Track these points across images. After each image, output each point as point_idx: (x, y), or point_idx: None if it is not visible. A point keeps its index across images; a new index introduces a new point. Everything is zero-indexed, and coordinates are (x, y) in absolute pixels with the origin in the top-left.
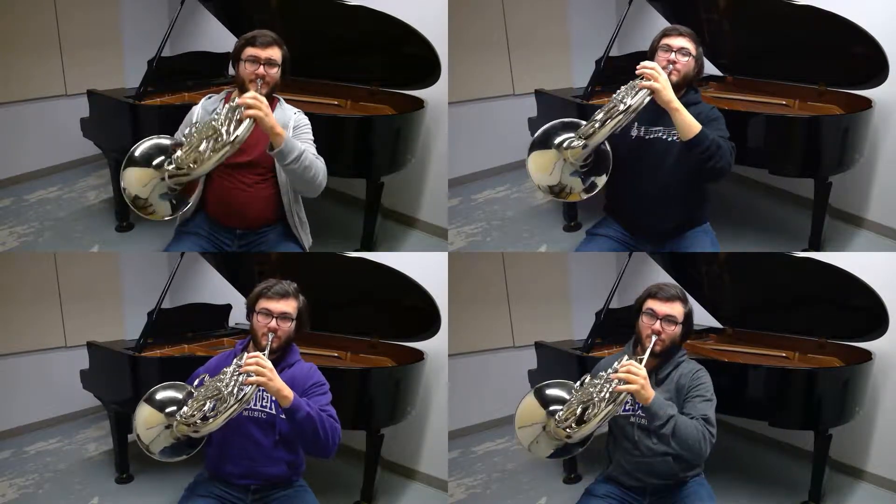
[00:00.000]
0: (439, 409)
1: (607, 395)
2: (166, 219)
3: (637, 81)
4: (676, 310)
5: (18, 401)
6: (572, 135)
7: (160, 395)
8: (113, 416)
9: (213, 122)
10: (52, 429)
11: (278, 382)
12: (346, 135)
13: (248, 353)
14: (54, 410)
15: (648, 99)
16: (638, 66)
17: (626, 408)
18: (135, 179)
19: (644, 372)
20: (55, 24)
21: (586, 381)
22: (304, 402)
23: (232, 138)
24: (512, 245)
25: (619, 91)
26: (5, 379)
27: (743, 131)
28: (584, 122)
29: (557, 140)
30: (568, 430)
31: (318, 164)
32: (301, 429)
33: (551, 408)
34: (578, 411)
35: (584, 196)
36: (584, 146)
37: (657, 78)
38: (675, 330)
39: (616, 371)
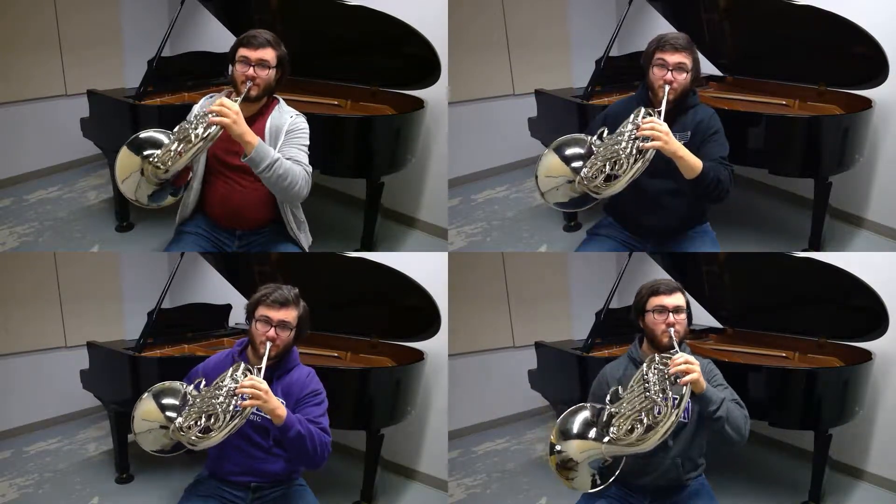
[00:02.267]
0: (439, 409)
1: (670, 392)
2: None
3: (640, 143)
4: (681, 300)
5: (18, 401)
6: (586, 168)
7: (165, 400)
8: (113, 416)
9: (186, 125)
10: (52, 429)
11: (273, 403)
12: (346, 135)
13: (243, 365)
14: (54, 410)
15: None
16: (638, 129)
17: None
18: (120, 164)
19: (696, 363)
20: (55, 24)
21: (620, 392)
22: (295, 420)
23: (199, 139)
24: (512, 245)
25: (619, 137)
26: (5, 379)
27: (743, 131)
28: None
29: (577, 164)
30: None
31: (296, 173)
32: (291, 445)
33: None
34: (644, 420)
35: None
36: (597, 193)
37: (660, 137)
38: (684, 319)
39: (664, 371)
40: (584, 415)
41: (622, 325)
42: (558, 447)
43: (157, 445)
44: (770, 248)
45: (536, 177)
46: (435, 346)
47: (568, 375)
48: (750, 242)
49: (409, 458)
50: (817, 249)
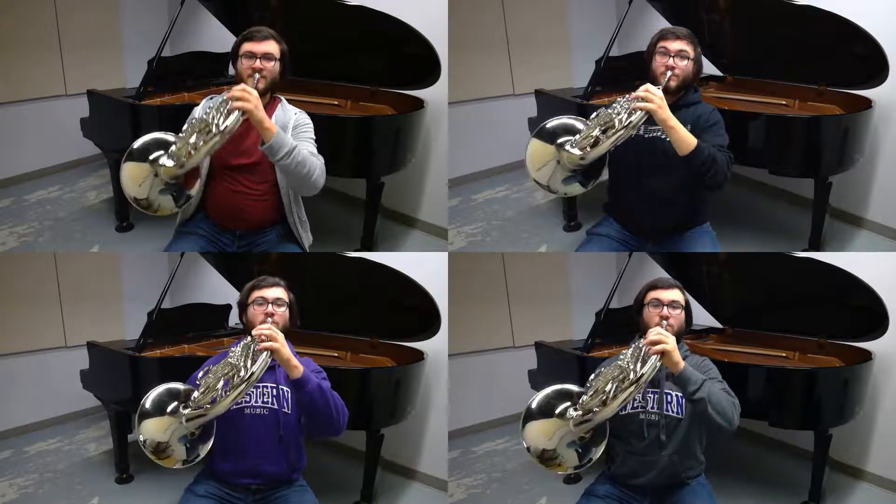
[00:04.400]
0: (439, 409)
1: (639, 364)
2: (171, 212)
3: (634, 103)
4: (678, 296)
5: (18, 401)
6: (574, 138)
7: (151, 400)
8: (113, 416)
9: (205, 116)
10: (52, 429)
11: (288, 352)
12: (346, 135)
13: (250, 337)
14: (54, 410)
15: (646, 116)
16: (632, 95)
17: (636, 404)
18: (129, 177)
19: (672, 337)
20: (55, 24)
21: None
22: (312, 375)
23: (221, 129)
24: (512, 245)
25: (615, 104)
26: (5, 379)
27: (743, 131)
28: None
29: (561, 140)
30: None
31: (314, 161)
32: (311, 400)
33: None
34: (609, 386)
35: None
36: (582, 158)
37: (653, 100)
38: (680, 315)
39: (640, 346)
40: (559, 388)
41: (622, 325)
42: (525, 442)
43: (183, 433)
44: (770, 248)
45: (535, 180)
46: (435, 346)
47: (568, 375)
48: (750, 242)
49: (409, 458)
50: (817, 249)
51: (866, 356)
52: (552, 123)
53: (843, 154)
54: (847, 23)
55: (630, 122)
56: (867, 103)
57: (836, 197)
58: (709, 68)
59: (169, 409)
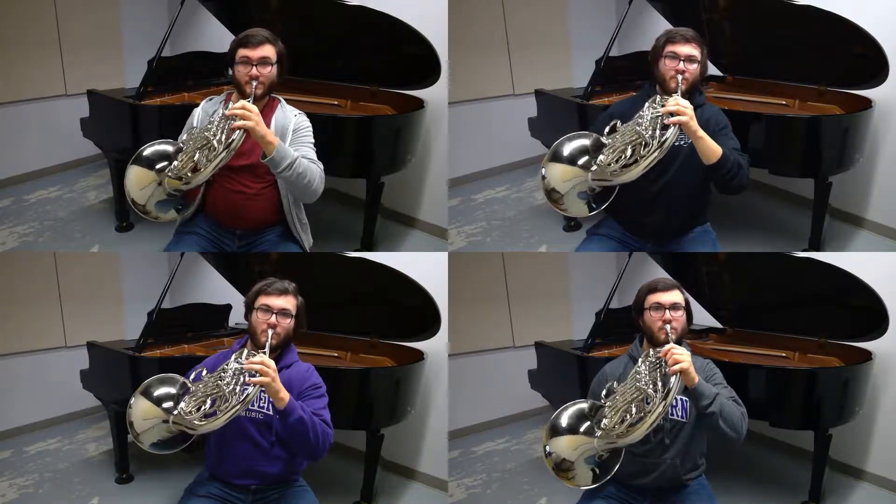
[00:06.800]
0: (439, 409)
1: (659, 384)
2: (170, 220)
3: (666, 118)
4: (679, 297)
5: (18, 401)
6: (598, 158)
7: (157, 391)
8: (113, 416)
9: (205, 133)
10: (52, 429)
11: (278, 384)
12: (346, 135)
13: (247, 350)
14: (54, 410)
15: (679, 131)
16: (665, 107)
17: None
18: (135, 180)
19: (689, 354)
20: (55, 24)
21: (615, 386)
22: (298, 406)
23: (223, 147)
24: (512, 245)
25: (640, 120)
26: (5, 379)
27: (743, 131)
28: (607, 143)
29: (582, 161)
30: None
31: (314, 171)
32: (292, 431)
33: None
34: (633, 411)
35: (577, 216)
36: (611, 181)
37: (685, 112)
38: (682, 316)
39: (655, 363)
40: (577, 408)
41: (622, 325)
42: (549, 448)
43: (159, 437)
44: (770, 248)
45: (554, 198)
46: (435, 346)
47: (568, 375)
48: (750, 242)
49: (409, 458)
50: (817, 249)
51: (866, 356)
52: (572, 150)
53: (843, 154)
54: (847, 23)
55: (666, 138)
56: (867, 103)
57: (836, 197)
58: (709, 68)
59: (164, 405)
